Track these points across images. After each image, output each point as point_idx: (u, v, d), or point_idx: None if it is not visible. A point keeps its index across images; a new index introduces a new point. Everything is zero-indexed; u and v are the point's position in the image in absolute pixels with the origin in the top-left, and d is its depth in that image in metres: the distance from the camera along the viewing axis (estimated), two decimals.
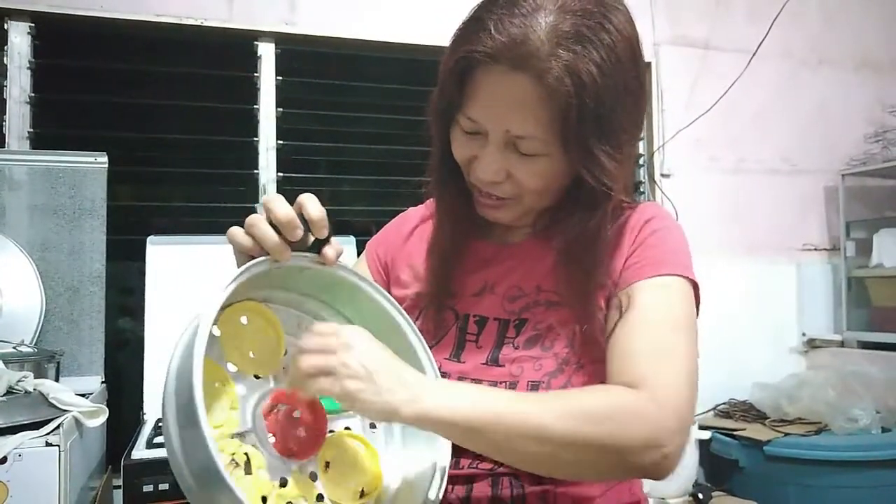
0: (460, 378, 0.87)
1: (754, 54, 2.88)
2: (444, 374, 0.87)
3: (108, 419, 1.54)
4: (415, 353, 0.82)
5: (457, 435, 0.71)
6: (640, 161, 2.90)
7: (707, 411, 2.70)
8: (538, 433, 0.69)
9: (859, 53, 3.18)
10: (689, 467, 2.20)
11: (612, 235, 0.85)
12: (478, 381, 0.85)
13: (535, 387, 0.81)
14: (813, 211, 3.09)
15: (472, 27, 0.79)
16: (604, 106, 0.76)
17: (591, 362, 0.83)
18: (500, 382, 0.84)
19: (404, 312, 0.84)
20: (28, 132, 2.14)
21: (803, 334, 2.97)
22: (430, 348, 0.86)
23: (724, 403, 2.70)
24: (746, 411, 2.54)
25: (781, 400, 2.41)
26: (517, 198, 0.85)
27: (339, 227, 2.34)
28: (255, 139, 2.38)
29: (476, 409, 0.69)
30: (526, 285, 0.89)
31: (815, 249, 3.06)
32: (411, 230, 1.04)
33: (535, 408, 0.70)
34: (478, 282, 0.92)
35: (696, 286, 0.85)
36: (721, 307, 2.83)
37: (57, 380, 1.73)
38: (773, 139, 3.02)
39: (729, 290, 2.85)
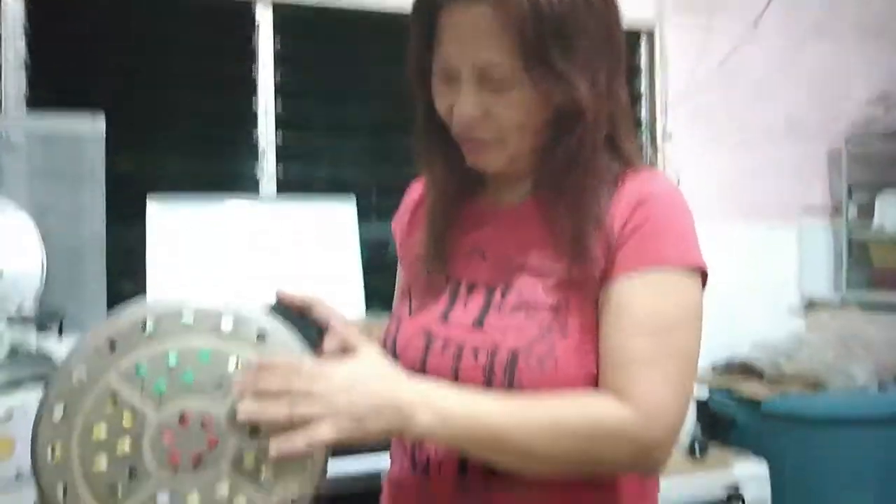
0: (445, 341, 0.88)
1: (759, 19, 2.85)
2: (430, 336, 0.89)
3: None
4: None
5: (447, 447, 0.80)
6: (643, 126, 2.88)
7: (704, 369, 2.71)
8: (525, 453, 0.75)
9: (862, 18, 3.15)
10: (685, 423, 2.22)
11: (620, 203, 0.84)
12: (461, 343, 0.86)
13: (514, 354, 0.81)
14: (816, 175, 3.08)
15: None
16: (563, 22, 0.78)
17: (578, 331, 0.82)
18: (482, 348, 0.84)
19: None
20: (25, 95, 2.13)
21: (803, 295, 2.98)
22: (422, 310, 0.91)
23: (722, 362, 2.71)
24: (744, 369, 2.55)
25: (779, 358, 2.43)
26: (500, 140, 0.85)
27: (339, 186, 2.36)
28: (255, 103, 2.37)
29: (467, 431, 0.75)
30: (518, 252, 0.89)
31: (818, 213, 3.06)
32: (414, 209, 1.05)
33: (523, 430, 0.75)
34: (471, 245, 0.93)
35: (703, 272, 0.83)
36: (720, 268, 2.80)
37: (60, 339, 1.74)
38: (776, 103, 3.00)
39: (729, 252, 2.84)
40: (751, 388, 2.32)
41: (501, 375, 0.82)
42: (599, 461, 0.77)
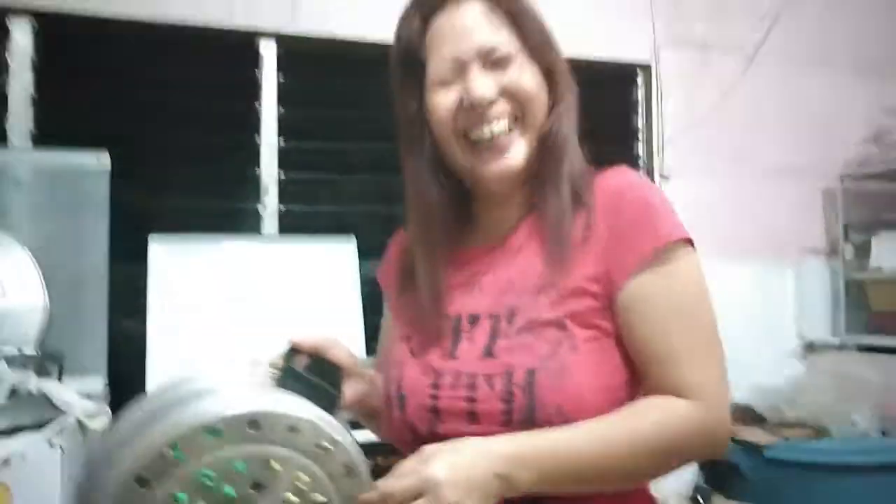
0: (455, 376, 0.87)
1: (754, 56, 2.88)
2: (438, 373, 0.89)
3: (110, 420, 1.54)
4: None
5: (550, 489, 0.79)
6: (640, 163, 2.90)
7: None
8: (613, 477, 0.80)
9: (859, 56, 3.19)
10: (688, 470, 2.21)
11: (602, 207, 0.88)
12: (473, 374, 0.86)
13: (531, 373, 0.82)
14: (812, 214, 3.09)
15: (413, 6, 0.93)
16: (531, 12, 0.93)
17: (585, 343, 0.83)
18: (496, 375, 0.84)
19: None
20: (31, 130, 2.13)
21: (801, 337, 2.98)
22: (427, 352, 0.90)
23: None
24: (746, 414, 2.55)
25: (781, 403, 2.42)
26: (521, 116, 0.90)
27: (341, 223, 2.37)
28: (258, 139, 2.38)
29: (561, 474, 0.77)
30: (515, 277, 0.90)
31: (814, 252, 3.07)
32: (398, 260, 1.06)
33: (609, 458, 0.78)
34: (465, 281, 0.94)
35: (689, 241, 0.87)
36: (720, 309, 2.82)
37: (60, 381, 1.73)
38: (773, 141, 3.02)
39: (728, 293, 2.83)
40: (753, 435, 2.31)
41: (521, 396, 0.81)
42: (680, 459, 0.83)
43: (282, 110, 2.41)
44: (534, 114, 0.90)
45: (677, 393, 0.81)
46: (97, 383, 1.94)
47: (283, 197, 2.40)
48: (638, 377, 0.86)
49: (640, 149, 2.92)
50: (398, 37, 0.94)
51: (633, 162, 2.92)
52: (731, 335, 2.82)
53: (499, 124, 0.88)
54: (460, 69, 0.88)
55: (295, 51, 2.42)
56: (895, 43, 3.26)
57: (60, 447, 1.36)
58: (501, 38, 0.88)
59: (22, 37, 2.16)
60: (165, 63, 2.32)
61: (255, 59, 2.40)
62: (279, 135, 2.41)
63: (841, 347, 2.89)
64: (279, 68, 2.42)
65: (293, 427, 0.70)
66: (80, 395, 1.55)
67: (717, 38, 2.96)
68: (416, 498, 0.71)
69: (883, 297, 2.89)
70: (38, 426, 1.40)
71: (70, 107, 2.22)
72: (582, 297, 0.85)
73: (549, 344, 0.83)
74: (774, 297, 2.97)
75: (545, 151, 0.91)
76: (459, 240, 0.97)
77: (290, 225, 2.38)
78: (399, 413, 0.90)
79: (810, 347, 2.95)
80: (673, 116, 2.87)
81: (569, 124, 0.92)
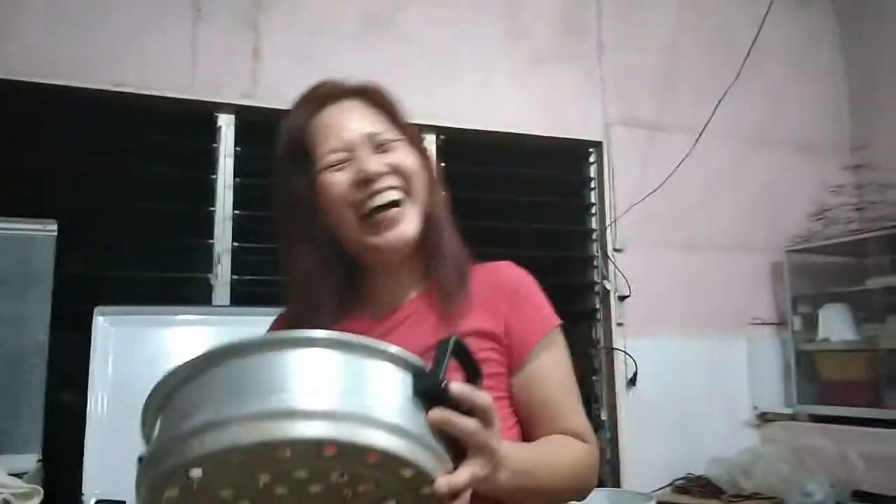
0: None
1: (700, 134, 3.00)
2: None
3: (42, 500, 1.45)
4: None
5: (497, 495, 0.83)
6: (594, 236, 2.96)
7: (665, 486, 2.68)
8: (554, 494, 0.92)
9: (802, 135, 3.35)
10: None
11: (480, 288, 1.01)
12: None
13: None
14: (761, 286, 3.17)
15: (300, 105, 1.04)
16: (399, 107, 1.05)
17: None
18: None
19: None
20: None
21: (755, 408, 3.00)
22: None
23: (681, 479, 2.69)
24: (703, 486, 2.54)
25: (737, 475, 2.42)
26: (409, 190, 0.99)
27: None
28: (212, 208, 2.37)
29: (521, 484, 0.82)
30: (420, 340, 0.91)
31: (764, 324, 3.13)
32: None
33: (556, 477, 0.91)
34: None
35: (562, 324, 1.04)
36: (675, 382, 2.86)
37: None
38: (722, 216, 3.12)
39: (681, 365, 2.88)
40: None
41: None
42: (589, 486, 0.98)
43: (238, 180, 2.40)
44: (418, 188, 1.00)
45: (574, 436, 0.97)
46: (30, 461, 1.84)
47: (235, 268, 2.37)
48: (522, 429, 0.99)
49: (594, 222, 2.97)
50: (286, 129, 1.03)
51: (586, 235, 2.97)
52: (686, 407, 2.88)
53: (391, 193, 0.97)
54: (350, 153, 0.97)
55: (252, 123, 2.43)
56: (835, 123, 3.45)
57: None
58: (381, 127, 1.00)
59: None
60: (120, 131, 2.31)
61: (212, 131, 2.41)
62: (234, 206, 2.39)
63: (794, 417, 2.92)
64: (237, 140, 2.42)
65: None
66: (11, 473, 1.47)
67: (665, 117, 3.08)
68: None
69: (832, 367, 2.95)
70: None
71: (20, 174, 2.18)
72: (482, 339, 0.96)
73: None
74: (728, 368, 3.01)
75: (430, 227, 1.01)
76: (345, 312, 1.01)
77: (243, 294, 2.34)
78: None
79: (764, 418, 2.97)
80: (625, 191, 2.95)
81: (444, 206, 1.05)
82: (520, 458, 0.83)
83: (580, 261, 2.99)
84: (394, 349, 0.67)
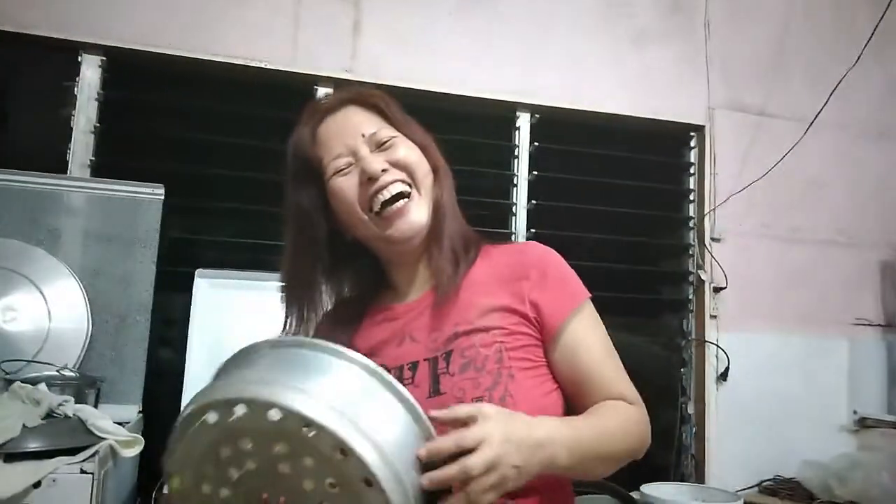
0: None
1: (812, 123, 2.84)
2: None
3: (142, 450, 1.53)
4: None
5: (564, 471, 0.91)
6: (691, 223, 2.86)
7: (751, 487, 2.59)
8: (611, 459, 0.96)
9: None
10: None
11: (502, 268, 1.06)
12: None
13: (478, 399, 0.93)
14: (867, 285, 3.00)
15: (303, 124, 1.08)
16: (394, 105, 1.10)
17: (520, 370, 0.97)
18: (446, 407, 0.88)
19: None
20: (90, 160, 2.20)
21: (854, 412, 2.85)
22: None
23: (769, 480, 2.60)
24: (793, 490, 2.43)
25: (831, 480, 2.30)
26: (413, 183, 1.04)
27: None
28: None
29: (581, 457, 0.89)
30: (442, 324, 1.01)
31: (870, 325, 2.96)
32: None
33: (612, 443, 0.94)
34: (393, 334, 1.05)
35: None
36: (768, 380, 2.75)
37: (96, 406, 1.74)
38: (829, 209, 2.96)
39: (776, 362, 2.77)
40: None
41: None
42: (641, 447, 1.00)
43: None
44: (422, 179, 1.05)
45: (623, 400, 1.00)
46: (132, 411, 1.95)
47: None
48: (566, 398, 1.02)
49: (692, 209, 2.87)
50: (293, 147, 1.08)
51: (683, 223, 2.88)
52: (779, 406, 2.76)
53: (395, 186, 1.02)
54: (353, 156, 1.03)
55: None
56: None
57: (92, 474, 1.36)
58: (378, 126, 1.05)
59: (90, 71, 2.24)
60: (225, 102, 2.38)
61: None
62: None
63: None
64: None
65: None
66: (114, 422, 1.55)
67: (773, 103, 2.93)
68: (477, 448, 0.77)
69: None
70: (72, 450, 1.40)
71: (130, 140, 2.29)
72: (510, 314, 1.00)
73: (491, 375, 0.95)
74: (827, 370, 2.87)
75: (433, 215, 1.06)
76: (374, 303, 1.11)
77: None
78: None
79: (863, 423, 2.82)
80: (726, 178, 2.84)
81: (449, 191, 1.09)
82: (569, 434, 0.88)
83: (675, 248, 2.89)
84: (411, 398, 0.76)
